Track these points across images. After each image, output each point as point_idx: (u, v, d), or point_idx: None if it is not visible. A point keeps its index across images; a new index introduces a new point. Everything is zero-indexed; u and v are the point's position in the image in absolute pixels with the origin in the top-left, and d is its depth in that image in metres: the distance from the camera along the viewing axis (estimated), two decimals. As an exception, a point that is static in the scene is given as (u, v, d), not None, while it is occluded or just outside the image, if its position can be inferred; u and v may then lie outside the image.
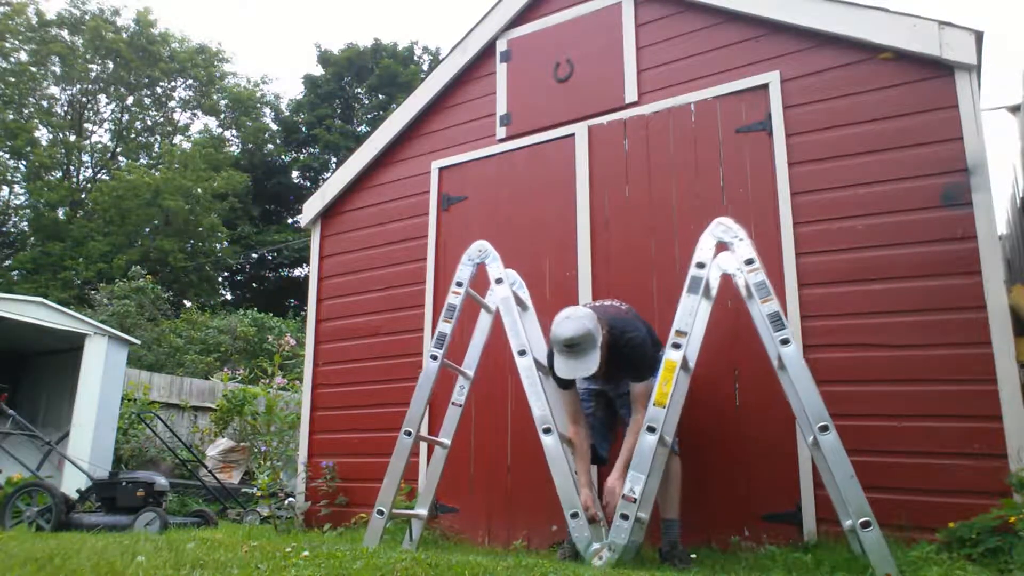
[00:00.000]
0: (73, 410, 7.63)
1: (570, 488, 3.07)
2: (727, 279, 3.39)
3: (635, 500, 2.88)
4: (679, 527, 3.20)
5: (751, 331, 3.22)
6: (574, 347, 3.00)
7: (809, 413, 2.78)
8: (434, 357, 3.44)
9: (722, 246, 3.15)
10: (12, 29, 22.18)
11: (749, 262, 3.00)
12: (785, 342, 2.86)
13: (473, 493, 4.22)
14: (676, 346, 3.00)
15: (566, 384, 3.28)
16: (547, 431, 3.17)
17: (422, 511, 3.59)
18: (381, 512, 3.28)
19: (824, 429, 2.71)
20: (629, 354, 3.16)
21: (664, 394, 2.96)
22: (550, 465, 3.15)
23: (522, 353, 3.33)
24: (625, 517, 2.89)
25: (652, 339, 3.33)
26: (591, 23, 4.46)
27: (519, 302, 3.61)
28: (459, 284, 3.54)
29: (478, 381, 4.34)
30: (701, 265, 3.10)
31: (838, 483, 2.71)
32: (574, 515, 3.02)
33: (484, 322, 3.77)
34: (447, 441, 3.67)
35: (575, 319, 3.04)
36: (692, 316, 3.05)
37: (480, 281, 3.66)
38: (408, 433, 3.39)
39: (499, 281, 3.50)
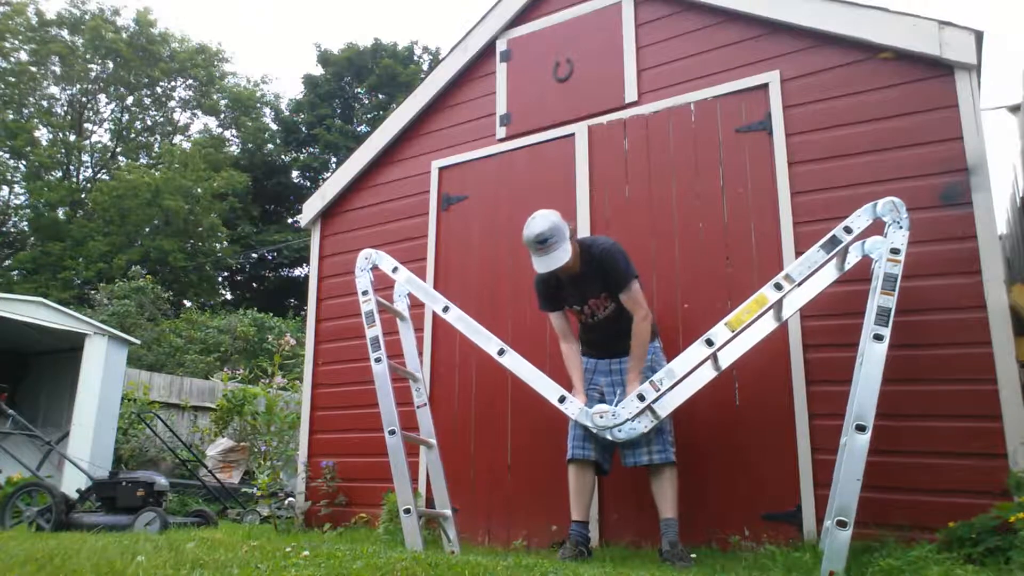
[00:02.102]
0: (73, 410, 7.64)
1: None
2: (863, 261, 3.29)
3: (659, 390, 3.04)
4: (678, 527, 3.20)
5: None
6: (545, 242, 3.22)
7: (856, 407, 2.73)
8: (378, 360, 3.53)
9: (879, 225, 3.00)
10: (12, 29, 22.18)
11: (895, 251, 2.89)
12: (878, 338, 2.76)
13: (473, 493, 4.22)
14: (777, 286, 2.95)
15: (554, 306, 3.54)
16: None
17: (447, 511, 3.60)
18: (408, 511, 3.24)
19: (861, 429, 2.66)
20: (603, 260, 3.33)
21: (740, 321, 2.97)
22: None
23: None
24: (641, 398, 3.06)
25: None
26: (591, 23, 4.46)
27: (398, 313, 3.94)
28: (364, 293, 3.72)
29: (478, 381, 4.35)
30: (848, 230, 2.96)
31: (841, 480, 2.70)
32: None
33: (404, 328, 3.96)
34: (432, 440, 3.72)
35: (540, 216, 3.28)
36: (807, 269, 2.95)
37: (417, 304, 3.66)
38: (392, 432, 3.41)
39: (395, 270, 3.83)
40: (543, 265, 3.28)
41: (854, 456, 2.66)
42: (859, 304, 3.35)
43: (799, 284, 3.00)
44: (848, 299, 3.38)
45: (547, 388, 3.38)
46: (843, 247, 2.98)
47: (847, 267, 3.26)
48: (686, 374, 3.09)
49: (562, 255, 3.23)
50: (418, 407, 3.79)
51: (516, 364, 3.47)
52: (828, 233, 2.97)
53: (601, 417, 3.14)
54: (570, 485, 3.39)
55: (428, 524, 4.19)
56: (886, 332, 2.77)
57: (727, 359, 3.28)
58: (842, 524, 2.59)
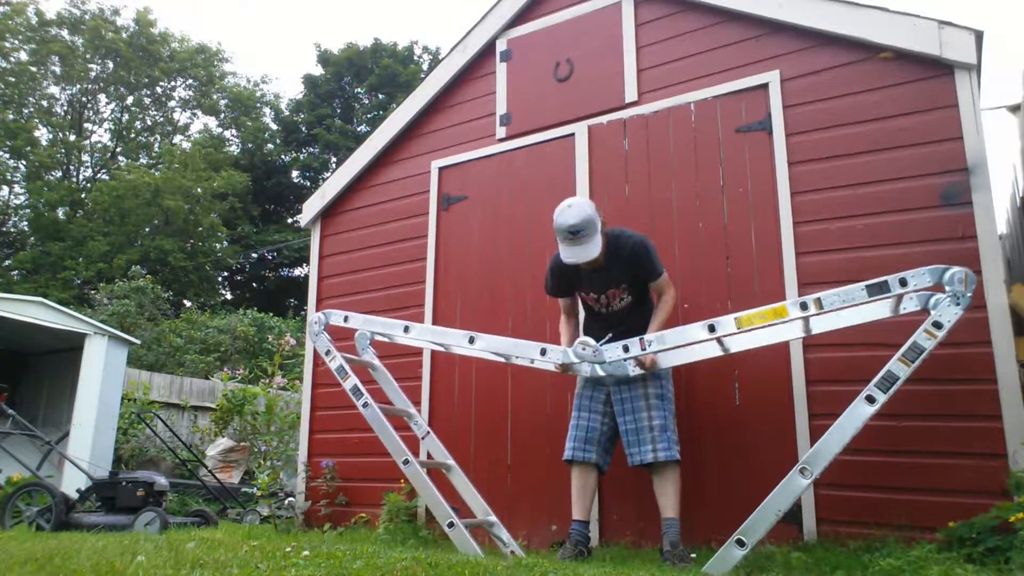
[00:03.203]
0: (73, 410, 7.64)
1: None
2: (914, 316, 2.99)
3: (645, 348, 3.09)
4: (679, 527, 3.20)
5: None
6: (577, 234, 3.16)
7: (812, 453, 2.77)
8: (365, 404, 3.55)
9: (939, 287, 2.78)
10: (12, 29, 22.19)
11: (937, 326, 2.69)
12: (870, 400, 2.70)
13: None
14: (803, 306, 2.87)
15: (566, 293, 3.55)
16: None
17: (491, 517, 3.62)
18: (451, 524, 3.21)
19: (804, 472, 2.70)
20: (634, 252, 3.30)
21: (750, 321, 2.93)
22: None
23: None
24: (626, 349, 3.12)
25: None
26: (591, 23, 4.46)
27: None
28: (327, 353, 3.78)
29: (478, 382, 4.35)
30: (903, 283, 2.76)
31: (763, 506, 2.74)
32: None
33: (379, 376, 4.01)
34: (449, 462, 3.76)
35: (576, 206, 3.20)
36: (841, 302, 2.81)
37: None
38: (406, 462, 3.41)
39: (347, 319, 3.87)
40: (572, 256, 3.22)
41: (785, 493, 2.71)
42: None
43: (826, 312, 2.88)
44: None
45: (527, 348, 3.42)
46: (892, 296, 2.82)
47: (903, 312, 2.98)
48: (678, 345, 3.13)
49: (592, 249, 3.18)
50: (422, 439, 3.86)
51: (490, 343, 3.49)
52: (884, 277, 2.79)
53: (584, 348, 3.16)
54: (572, 485, 3.39)
55: (428, 524, 4.19)
56: (881, 399, 2.69)
57: (736, 346, 3.26)
58: (740, 544, 2.69)
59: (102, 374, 7.77)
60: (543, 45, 4.62)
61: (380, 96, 26.28)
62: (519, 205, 4.48)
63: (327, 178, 6.15)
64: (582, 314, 3.67)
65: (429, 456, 3.95)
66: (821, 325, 3.10)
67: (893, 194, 3.38)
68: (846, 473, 3.24)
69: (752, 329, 3.00)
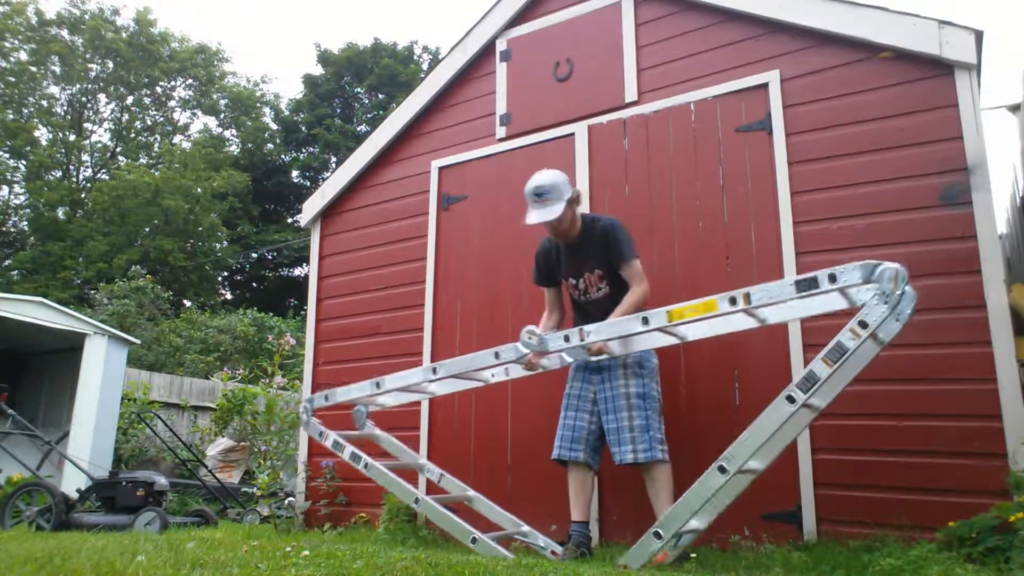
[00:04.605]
0: (73, 410, 7.64)
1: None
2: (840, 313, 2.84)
3: (584, 339, 3.07)
4: None
5: (752, 332, 3.21)
6: (541, 196, 3.32)
7: (733, 447, 2.72)
8: (366, 466, 3.65)
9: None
10: (12, 29, 22.20)
11: (862, 325, 2.53)
12: (790, 400, 2.62)
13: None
14: (732, 300, 2.76)
15: (547, 281, 3.64)
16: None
17: (522, 527, 3.63)
18: (474, 540, 3.27)
19: (722, 470, 2.68)
20: (605, 233, 3.37)
21: (681, 315, 2.87)
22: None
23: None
24: (567, 339, 3.13)
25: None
26: (591, 22, 4.45)
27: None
28: (321, 434, 3.87)
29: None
30: (832, 279, 2.58)
31: (683, 499, 2.76)
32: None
33: (381, 442, 4.10)
34: (469, 492, 3.82)
35: (544, 173, 3.40)
36: (769, 298, 2.70)
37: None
38: (417, 501, 3.50)
39: (327, 398, 3.92)
40: (535, 217, 3.34)
41: (702, 490, 2.71)
42: (859, 304, 3.36)
43: (756, 306, 2.78)
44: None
45: (482, 357, 3.41)
46: (822, 291, 2.64)
47: (857, 305, 2.73)
48: (617, 336, 3.10)
49: (553, 211, 3.28)
50: (438, 482, 3.91)
51: (449, 366, 3.51)
52: (813, 272, 2.66)
53: (530, 338, 3.17)
54: (569, 486, 3.40)
55: (428, 524, 4.19)
56: (800, 398, 2.59)
57: (693, 335, 3.19)
58: (658, 535, 2.75)
59: (102, 374, 7.77)
60: (543, 45, 4.62)
61: (380, 96, 26.28)
62: (519, 205, 4.45)
63: (327, 178, 6.15)
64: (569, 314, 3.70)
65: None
66: (776, 316, 3.03)
67: (893, 194, 3.38)
68: (846, 473, 3.24)
69: (688, 322, 2.92)
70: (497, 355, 3.32)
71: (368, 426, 4.03)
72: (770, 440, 2.69)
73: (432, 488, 4.00)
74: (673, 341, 3.17)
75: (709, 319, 2.94)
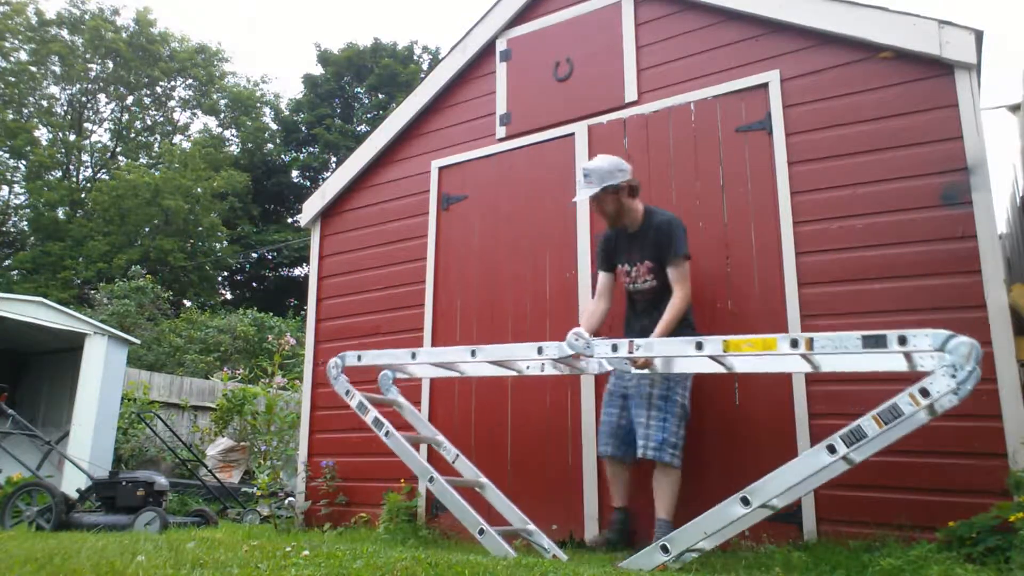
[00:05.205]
0: (73, 410, 7.64)
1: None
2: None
3: (632, 352, 3.03)
4: (668, 528, 3.24)
5: (752, 332, 3.21)
6: (587, 176, 3.50)
7: (763, 481, 2.69)
8: (387, 434, 3.64)
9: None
10: (12, 29, 22.20)
11: (923, 393, 2.46)
12: (831, 449, 2.59)
13: (474, 492, 4.21)
14: (793, 343, 2.70)
15: (606, 265, 3.73)
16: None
17: (528, 526, 3.61)
18: (482, 531, 3.26)
19: (745, 502, 2.66)
20: (660, 226, 3.49)
21: (737, 347, 2.81)
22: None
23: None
24: (615, 348, 3.08)
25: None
26: (591, 22, 4.45)
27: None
28: (347, 393, 3.86)
29: (478, 381, 4.34)
30: (903, 341, 2.51)
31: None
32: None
33: (405, 412, 4.08)
34: (482, 480, 3.79)
35: (599, 157, 3.59)
36: (833, 349, 2.61)
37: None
38: (431, 480, 3.47)
39: (360, 358, 3.89)
40: (580, 195, 3.57)
41: (718, 517, 2.71)
42: (862, 303, 3.35)
43: (818, 353, 2.71)
44: (850, 297, 3.38)
45: (525, 349, 3.43)
46: (890, 352, 2.58)
47: (918, 369, 2.68)
48: (666, 355, 3.12)
49: (588, 192, 3.48)
50: (452, 462, 3.90)
51: (489, 352, 3.49)
52: (883, 330, 2.57)
53: (577, 339, 3.14)
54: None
55: (428, 524, 4.19)
56: (842, 451, 2.55)
57: (739, 367, 3.12)
58: (664, 550, 2.77)
59: (102, 374, 7.77)
60: (543, 45, 4.61)
61: (380, 96, 26.28)
62: (519, 205, 4.47)
63: (327, 178, 6.16)
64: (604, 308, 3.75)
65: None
66: (829, 364, 2.92)
67: (893, 194, 3.38)
68: (846, 473, 3.23)
69: (741, 355, 2.88)
70: (540, 350, 3.28)
71: (393, 392, 4.03)
72: (799, 484, 2.69)
73: (447, 470, 3.92)
74: (720, 370, 3.12)
75: (763, 356, 2.88)
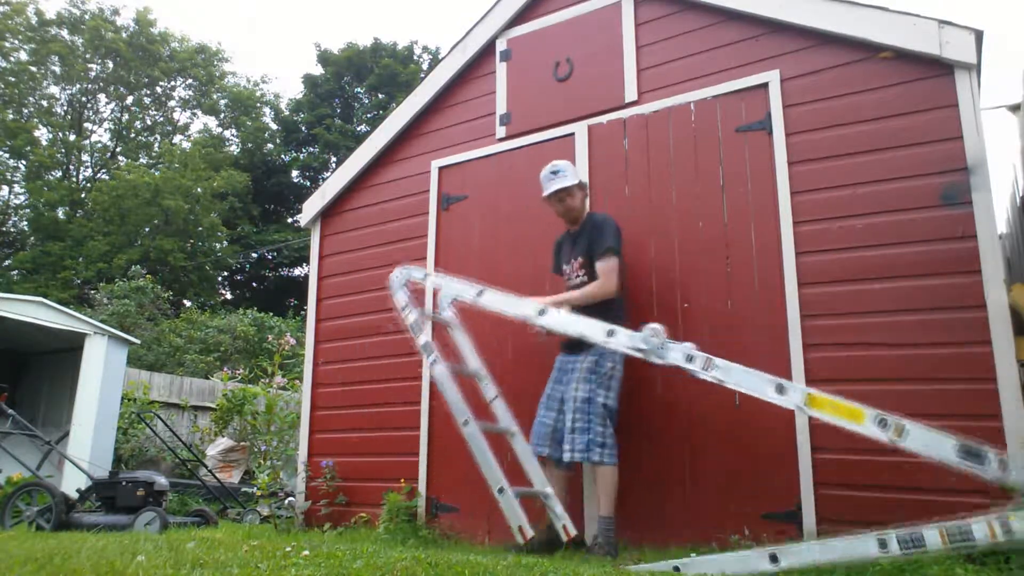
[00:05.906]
0: (73, 410, 7.64)
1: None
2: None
3: (707, 368, 2.96)
4: (609, 524, 3.37)
5: (753, 331, 3.21)
6: (556, 172, 3.73)
7: None
8: (434, 362, 3.61)
9: None
10: (12, 29, 22.20)
11: (1005, 529, 2.35)
12: (881, 544, 2.54)
13: (473, 492, 4.21)
14: (883, 423, 2.65)
15: (556, 268, 3.95)
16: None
17: (547, 489, 3.53)
18: (501, 490, 3.22)
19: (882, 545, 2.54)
20: (594, 224, 3.70)
21: (821, 405, 2.71)
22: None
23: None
24: (690, 359, 3.00)
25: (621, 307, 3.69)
26: (591, 22, 4.45)
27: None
28: (404, 307, 3.84)
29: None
30: (1003, 464, 2.44)
31: None
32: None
33: (456, 334, 3.96)
34: (514, 429, 3.68)
35: (560, 161, 3.83)
36: (924, 447, 2.56)
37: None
38: (466, 422, 3.40)
39: (426, 276, 3.98)
40: (549, 186, 3.72)
41: (743, 563, 2.74)
42: (862, 303, 3.35)
43: (903, 443, 2.62)
44: (850, 297, 3.38)
45: (595, 328, 3.24)
46: (978, 465, 2.50)
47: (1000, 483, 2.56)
48: (741, 388, 2.95)
49: (565, 181, 3.69)
50: (490, 402, 3.77)
51: (557, 320, 3.37)
52: (984, 447, 2.49)
53: (654, 336, 3.04)
54: None
55: (428, 523, 4.19)
56: (895, 551, 2.51)
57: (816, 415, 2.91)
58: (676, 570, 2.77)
59: (102, 374, 7.77)
60: (543, 45, 4.61)
61: (380, 96, 26.28)
62: (519, 205, 4.47)
63: (327, 178, 6.16)
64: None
65: (495, 420, 3.80)
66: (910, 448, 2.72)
67: (893, 194, 3.38)
68: (846, 473, 3.24)
69: (819, 415, 2.76)
70: (611, 332, 3.16)
71: (451, 311, 3.91)
72: (831, 564, 2.65)
73: (480, 408, 3.74)
74: (787, 408, 2.94)
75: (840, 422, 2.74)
